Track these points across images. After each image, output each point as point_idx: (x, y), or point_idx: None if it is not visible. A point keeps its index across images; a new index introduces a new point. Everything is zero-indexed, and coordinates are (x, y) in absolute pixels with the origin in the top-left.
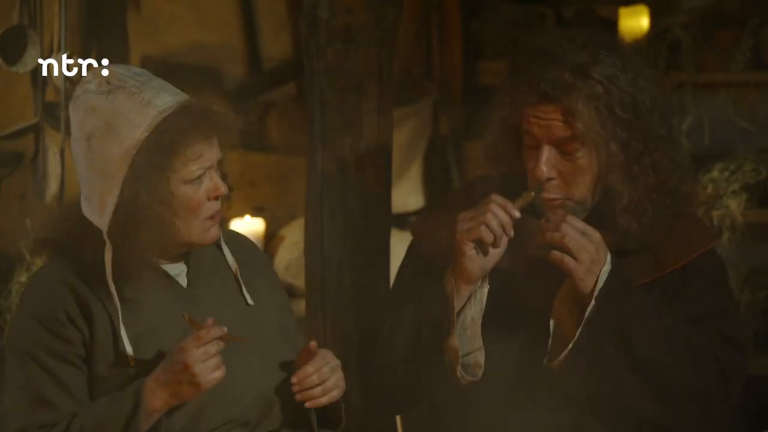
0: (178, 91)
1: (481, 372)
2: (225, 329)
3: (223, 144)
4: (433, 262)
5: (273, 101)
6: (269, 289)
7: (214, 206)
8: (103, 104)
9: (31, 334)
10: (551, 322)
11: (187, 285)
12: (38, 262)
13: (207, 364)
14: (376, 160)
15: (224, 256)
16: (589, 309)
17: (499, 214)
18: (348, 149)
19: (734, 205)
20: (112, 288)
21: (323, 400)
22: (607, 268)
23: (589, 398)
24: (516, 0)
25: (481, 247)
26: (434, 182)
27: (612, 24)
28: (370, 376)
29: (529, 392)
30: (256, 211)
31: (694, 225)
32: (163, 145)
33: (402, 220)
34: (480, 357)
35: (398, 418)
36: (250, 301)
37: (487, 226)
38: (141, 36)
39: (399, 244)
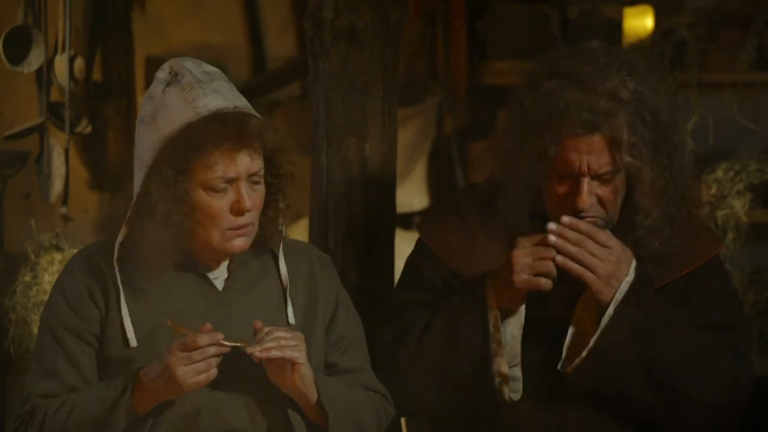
0: (234, 96)
1: (520, 386)
2: (220, 336)
3: (284, 158)
4: (444, 265)
5: (278, 101)
6: (321, 309)
7: (239, 220)
8: (159, 94)
9: (55, 307)
10: (570, 329)
11: (222, 290)
12: (43, 262)
13: (189, 368)
14: (380, 160)
15: (278, 267)
16: (605, 317)
17: (558, 260)
18: (353, 149)
19: (739, 205)
20: (116, 270)
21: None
22: (629, 278)
23: (598, 404)
24: (521, 0)
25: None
26: (439, 182)
27: (617, 24)
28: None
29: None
30: None
31: (700, 230)
32: (184, 146)
33: (407, 220)
34: (518, 372)
35: (403, 420)
36: (291, 321)
37: (548, 276)
38: (146, 36)
39: (404, 245)
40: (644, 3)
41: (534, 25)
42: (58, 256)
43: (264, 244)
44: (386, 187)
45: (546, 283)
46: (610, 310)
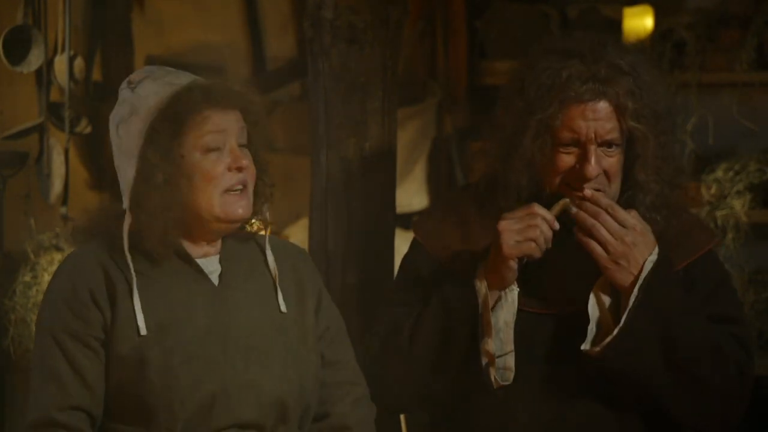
0: (202, 78)
1: (511, 375)
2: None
3: (258, 130)
4: (437, 263)
5: (277, 101)
6: (309, 300)
7: (235, 178)
8: (130, 95)
9: (54, 311)
10: (591, 309)
11: (218, 285)
12: (42, 262)
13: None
14: (380, 160)
15: (266, 259)
16: (632, 298)
17: (544, 229)
18: (352, 149)
19: (738, 205)
20: (129, 259)
21: None
22: (653, 257)
23: (620, 388)
24: (521, 0)
25: (521, 259)
26: (438, 182)
27: (617, 24)
28: (377, 377)
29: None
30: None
31: (696, 224)
32: (174, 112)
33: (406, 220)
34: (510, 360)
35: (402, 417)
36: (283, 309)
37: (536, 243)
38: (145, 36)
39: (403, 244)
40: (644, 3)
41: (534, 25)
42: (57, 256)
43: (249, 237)
44: (386, 187)
45: (534, 249)
46: (636, 291)
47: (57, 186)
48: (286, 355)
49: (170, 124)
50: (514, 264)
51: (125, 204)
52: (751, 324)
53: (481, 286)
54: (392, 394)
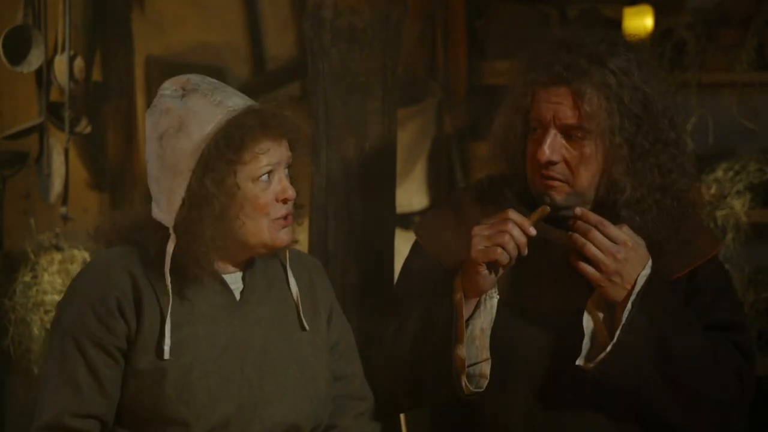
0: (248, 98)
1: (485, 383)
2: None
3: (298, 153)
4: (438, 264)
5: (277, 101)
6: (322, 315)
7: (283, 209)
8: (177, 105)
9: (78, 315)
10: (585, 323)
11: (240, 300)
12: (42, 262)
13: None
14: (380, 160)
15: (287, 276)
16: (625, 313)
17: (516, 235)
18: (352, 149)
19: (738, 205)
20: (168, 280)
21: None
22: (646, 272)
23: (615, 401)
24: (521, 0)
25: (494, 265)
26: (438, 182)
27: (616, 24)
28: (371, 376)
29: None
30: None
31: (699, 229)
32: (231, 140)
33: (406, 220)
34: (486, 368)
35: (402, 416)
36: (306, 327)
37: (504, 248)
38: (145, 36)
39: (403, 244)
40: (644, 3)
41: (534, 25)
42: (57, 256)
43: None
44: (386, 187)
45: (501, 255)
46: (629, 306)
47: (57, 186)
48: (301, 374)
49: (227, 153)
50: (484, 270)
51: (168, 223)
52: (751, 324)
53: (456, 293)
54: (381, 396)
